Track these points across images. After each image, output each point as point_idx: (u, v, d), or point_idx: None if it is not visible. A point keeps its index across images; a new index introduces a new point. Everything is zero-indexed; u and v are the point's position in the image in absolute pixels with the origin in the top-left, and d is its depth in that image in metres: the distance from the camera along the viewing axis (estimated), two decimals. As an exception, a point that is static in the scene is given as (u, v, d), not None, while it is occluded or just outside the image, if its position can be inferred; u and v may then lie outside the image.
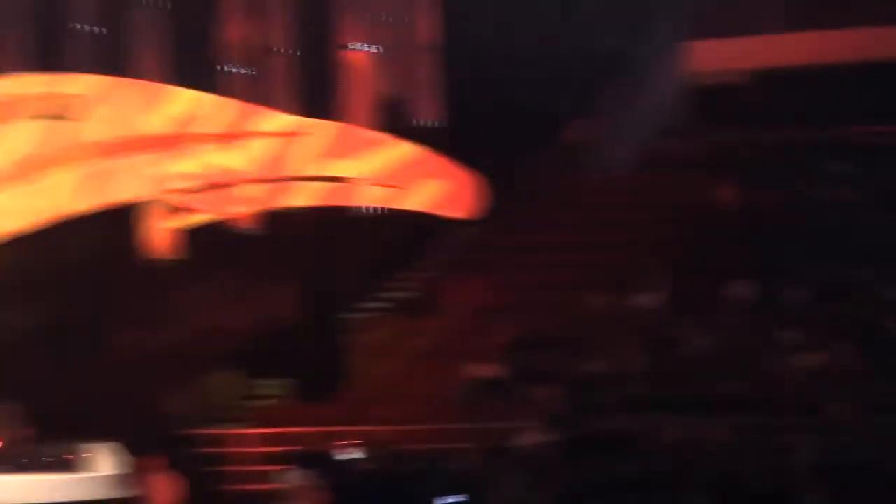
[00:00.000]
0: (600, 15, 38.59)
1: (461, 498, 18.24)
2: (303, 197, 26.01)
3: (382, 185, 26.15)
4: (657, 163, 37.65)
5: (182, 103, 25.01)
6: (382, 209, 28.16)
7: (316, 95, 31.76)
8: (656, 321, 29.37)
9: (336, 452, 23.01)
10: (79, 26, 32.22)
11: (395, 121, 32.04)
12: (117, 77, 27.57)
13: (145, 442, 23.42)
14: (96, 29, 32.39)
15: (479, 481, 19.74)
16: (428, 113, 35.05)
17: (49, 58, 30.36)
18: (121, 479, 22.14)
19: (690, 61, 37.68)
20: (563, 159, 37.38)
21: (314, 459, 22.01)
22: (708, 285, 29.75)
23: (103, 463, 22.44)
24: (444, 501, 18.04)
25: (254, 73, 33.09)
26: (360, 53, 33.91)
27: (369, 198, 26.66)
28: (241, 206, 26.47)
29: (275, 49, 33.39)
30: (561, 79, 36.66)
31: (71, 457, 22.77)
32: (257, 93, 31.46)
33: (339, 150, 25.78)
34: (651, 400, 25.67)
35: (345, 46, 33.77)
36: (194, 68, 30.23)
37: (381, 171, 25.85)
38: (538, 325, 29.93)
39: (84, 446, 22.82)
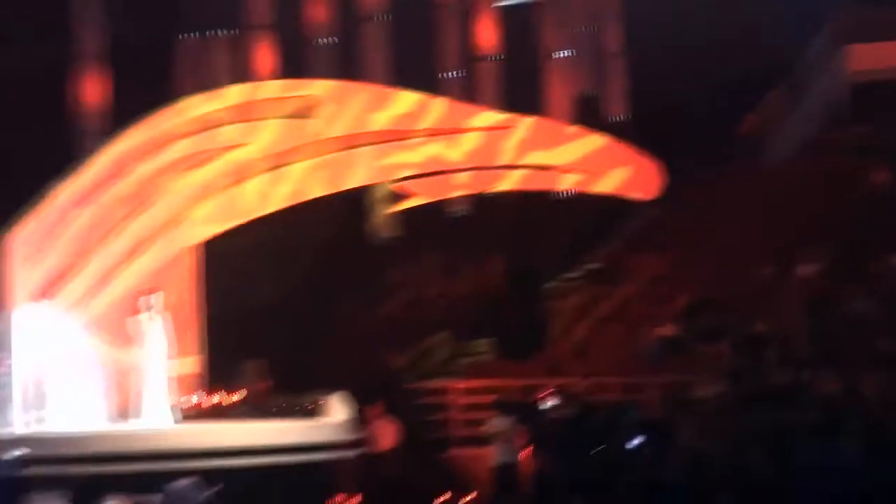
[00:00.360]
0: (772, 15, 39.59)
1: (645, 442, 18.74)
2: (508, 183, 27.91)
3: (577, 172, 28.19)
4: (821, 150, 38.04)
5: (404, 103, 27.32)
6: (577, 193, 29.34)
7: (520, 95, 33.03)
8: (818, 287, 29.62)
9: (536, 402, 24.33)
10: (317, 38, 34.36)
11: (588, 116, 33.61)
12: (350, 81, 29.97)
13: (370, 393, 25.31)
14: (331, 40, 34.54)
15: (660, 428, 19.98)
16: (616, 109, 36.26)
17: (291, 65, 32.76)
18: (349, 425, 23.95)
19: (851, 61, 37.74)
20: (738, 148, 38.89)
21: (515, 408, 23.56)
22: (865, 257, 30.04)
23: (335, 410, 24.36)
24: (630, 445, 18.48)
25: (466, 76, 34.91)
26: (558, 58, 35.64)
27: (566, 183, 28.73)
28: (455, 191, 29.19)
29: (485, 55, 34.94)
30: (735, 76, 38.08)
31: (308, 405, 25.12)
32: (469, 93, 33.44)
33: (541, 141, 27.89)
34: (811, 357, 25.86)
35: (545, 52, 35.81)
36: (415, 73, 31.80)
37: (577, 160, 27.86)
38: (711, 291, 30.65)
39: (318, 397, 25.01)
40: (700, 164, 35.06)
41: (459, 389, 26.77)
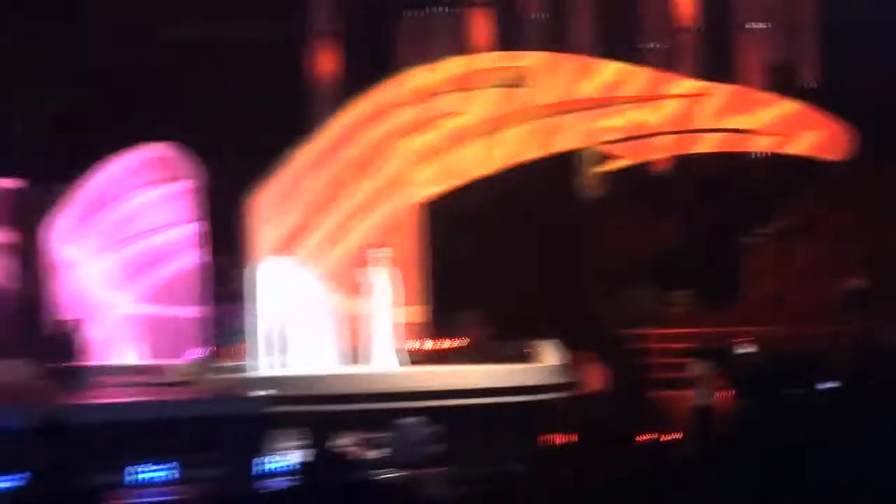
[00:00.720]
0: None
1: (832, 384, 18.73)
2: (706, 145, 28.97)
3: (771, 135, 28.99)
4: None
5: (609, 73, 28.52)
6: (771, 154, 30.32)
7: (717, 64, 34.18)
8: None
9: (732, 349, 25.37)
10: (529, 13, 35.66)
11: (781, 83, 34.03)
12: (559, 53, 31.57)
13: (580, 340, 26.07)
14: (542, 15, 35.71)
15: (848, 372, 20.11)
16: (808, 76, 36.29)
17: (505, 39, 33.98)
18: (561, 369, 25.01)
19: None
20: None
21: (713, 354, 23.96)
22: None
23: (549, 356, 25.29)
24: (822, 387, 18.52)
25: (667, 46, 35.85)
26: (754, 28, 35.98)
27: (760, 145, 29.83)
28: (657, 153, 30.28)
29: (684, 27, 35.72)
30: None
31: (523, 352, 25.90)
32: (670, 62, 34.24)
33: (737, 107, 28.75)
34: None
35: (741, 23, 36.11)
36: (618, 44, 33.30)
37: (770, 124, 28.61)
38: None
39: (533, 344, 25.77)
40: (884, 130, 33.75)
41: (661, 337, 27.75)
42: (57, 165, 28.10)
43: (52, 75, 30.54)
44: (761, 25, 35.08)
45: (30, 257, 27.91)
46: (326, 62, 35.04)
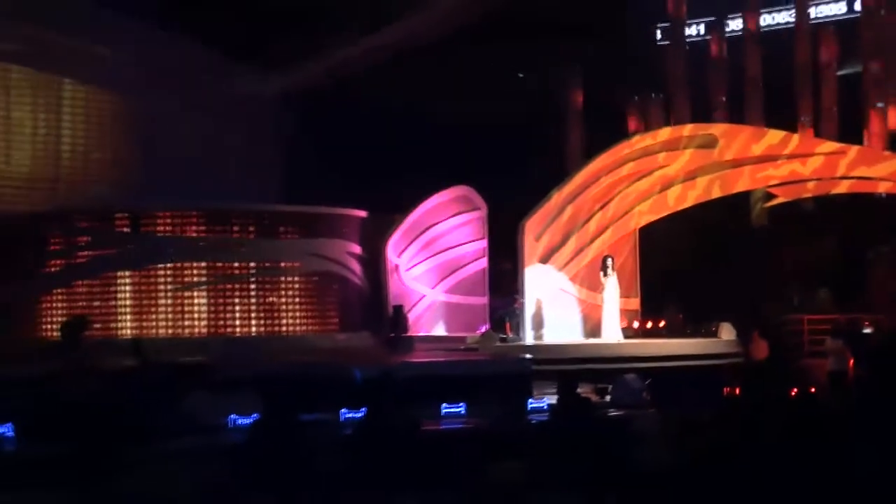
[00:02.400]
0: None
1: None
2: (840, 188, 30.56)
3: (889, 181, 30.42)
4: None
5: (773, 137, 30.40)
6: (890, 193, 30.98)
7: (851, 131, 34.85)
8: None
9: (859, 329, 27.12)
10: (718, 98, 37.16)
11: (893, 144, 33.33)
12: (738, 124, 33.17)
13: (752, 323, 27.84)
14: (724, 99, 37.28)
15: None
16: None
17: (699, 115, 35.89)
18: (736, 343, 26.96)
19: None
20: None
21: (845, 333, 25.64)
22: None
23: (727, 333, 27.32)
24: None
25: (816, 120, 36.41)
26: (878, 108, 35.69)
27: (882, 188, 30.75)
28: (806, 193, 31.62)
29: (828, 108, 36.53)
30: None
31: (709, 329, 28.13)
32: (816, 130, 35.78)
33: (864, 161, 30.53)
34: None
35: (870, 105, 35.97)
36: (780, 118, 34.42)
37: (889, 173, 30.10)
38: None
39: (715, 324, 27.91)
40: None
41: (808, 321, 29.38)
42: (392, 201, 30.25)
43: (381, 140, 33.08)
44: (882, 105, 35.34)
45: (374, 264, 30.60)
46: (575, 129, 37.31)
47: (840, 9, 39.13)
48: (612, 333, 27.96)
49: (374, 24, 31.81)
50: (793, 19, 38.43)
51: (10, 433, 16.52)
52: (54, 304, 28.58)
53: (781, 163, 30.35)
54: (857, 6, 37.95)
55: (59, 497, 6.98)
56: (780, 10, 38.87)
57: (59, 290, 28.62)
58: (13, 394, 18.10)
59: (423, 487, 9.18)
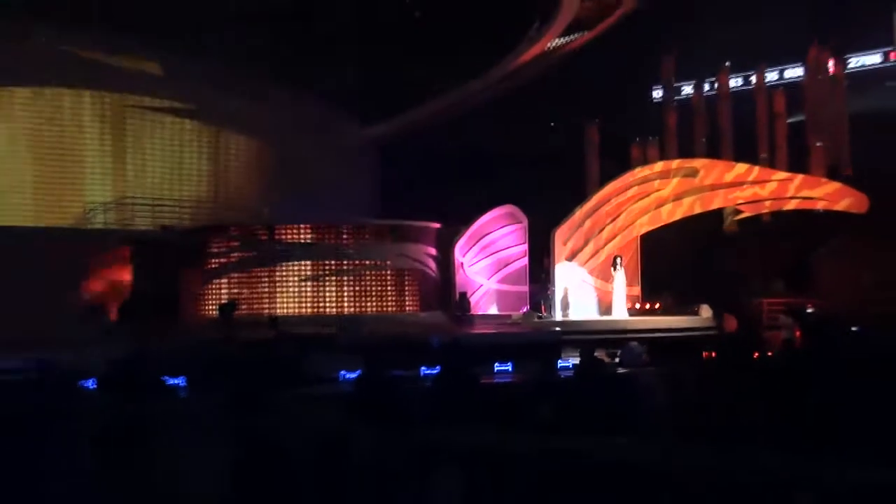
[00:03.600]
0: None
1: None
2: (790, 205, 30.05)
3: (825, 200, 30.07)
4: None
5: (740, 169, 30.04)
6: (825, 210, 30.21)
7: (799, 162, 34.09)
8: None
9: (803, 310, 26.12)
10: (701, 140, 35.97)
11: (833, 172, 33.45)
12: (714, 159, 32.33)
13: (724, 304, 27.06)
14: (705, 141, 36.39)
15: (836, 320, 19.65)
16: (847, 168, 33.90)
17: (685, 152, 34.99)
18: (712, 319, 26.47)
19: None
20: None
21: (794, 313, 25.05)
22: None
23: (705, 312, 26.93)
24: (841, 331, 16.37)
25: (771, 155, 35.52)
26: (819, 146, 34.96)
27: (819, 206, 30.17)
28: (764, 210, 30.93)
29: (780, 145, 35.00)
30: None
31: (692, 309, 27.56)
32: (772, 163, 34.59)
33: (807, 186, 30.18)
34: None
35: (812, 141, 34.81)
36: (745, 154, 33.65)
37: (825, 194, 29.86)
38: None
39: (697, 305, 27.53)
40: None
41: (768, 304, 28.76)
42: (458, 216, 30.15)
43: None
44: (821, 144, 34.83)
45: (445, 262, 30.43)
46: (592, 167, 36.72)
47: (788, 74, 39.39)
48: (620, 312, 27.71)
49: (443, 88, 32.25)
50: (755, 82, 38.45)
51: (184, 383, 16.75)
52: (213, 292, 29.14)
53: (746, 187, 30.13)
54: (801, 72, 38.26)
55: (224, 429, 6.96)
56: (746, 75, 38.85)
57: (216, 282, 29.21)
58: (185, 356, 18.27)
59: (482, 423, 8.57)
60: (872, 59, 37.43)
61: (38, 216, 29.22)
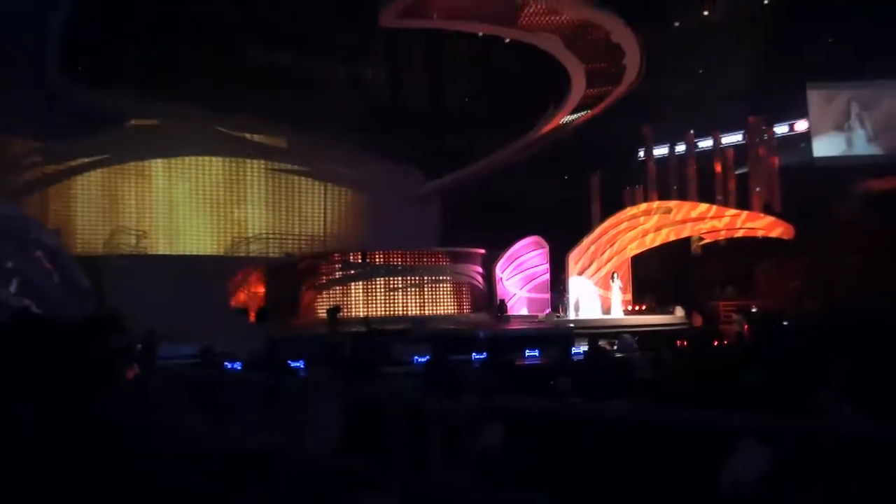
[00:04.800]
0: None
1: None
2: (738, 233, 29.38)
3: (763, 229, 29.13)
4: None
5: (703, 208, 29.89)
6: (761, 237, 29.18)
7: (744, 201, 33.16)
8: None
9: (750, 310, 24.05)
10: (674, 187, 35.24)
11: (765, 208, 32.01)
12: (683, 201, 32.26)
13: (694, 305, 26.93)
14: (676, 187, 35.29)
15: (780, 316, 17.68)
16: (776, 204, 32.28)
17: (664, 194, 34.36)
18: (684, 317, 26.07)
19: None
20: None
21: (742, 312, 23.15)
22: None
23: (679, 312, 26.37)
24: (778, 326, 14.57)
25: (725, 196, 34.44)
26: (757, 191, 33.73)
27: (759, 232, 29.27)
28: (719, 237, 30.80)
29: (729, 190, 34.32)
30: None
31: (669, 310, 26.97)
32: (725, 203, 33.68)
33: (749, 220, 29.67)
34: None
35: (753, 186, 33.87)
36: (706, 195, 33.24)
37: (764, 225, 28.93)
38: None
39: (673, 306, 26.89)
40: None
41: (723, 306, 27.75)
42: (498, 243, 29.59)
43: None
44: (759, 189, 33.31)
45: (489, 277, 30.13)
46: (595, 206, 35.31)
47: (735, 139, 38.51)
48: (616, 312, 27.39)
49: (486, 152, 31.59)
50: (712, 144, 37.64)
51: (303, 366, 16.67)
52: (322, 300, 28.96)
53: (707, 220, 29.93)
54: (743, 138, 37.36)
55: (336, 393, 7.15)
56: (705, 139, 37.73)
57: (325, 293, 29.06)
58: (302, 346, 18.31)
59: (517, 392, 8.59)
60: (800, 125, 36.74)
61: (204, 247, 29.87)
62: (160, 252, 28.81)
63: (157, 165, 29.75)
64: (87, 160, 28.35)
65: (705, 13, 35.05)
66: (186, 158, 30.29)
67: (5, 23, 18.51)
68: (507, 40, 29.35)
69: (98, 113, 24.55)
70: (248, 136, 31.30)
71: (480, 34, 29.15)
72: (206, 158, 30.65)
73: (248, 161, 31.37)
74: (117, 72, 25.94)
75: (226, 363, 14.68)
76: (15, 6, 18.28)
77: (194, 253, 29.46)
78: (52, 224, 25.74)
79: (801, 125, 36.69)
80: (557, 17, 27.24)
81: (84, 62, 25.44)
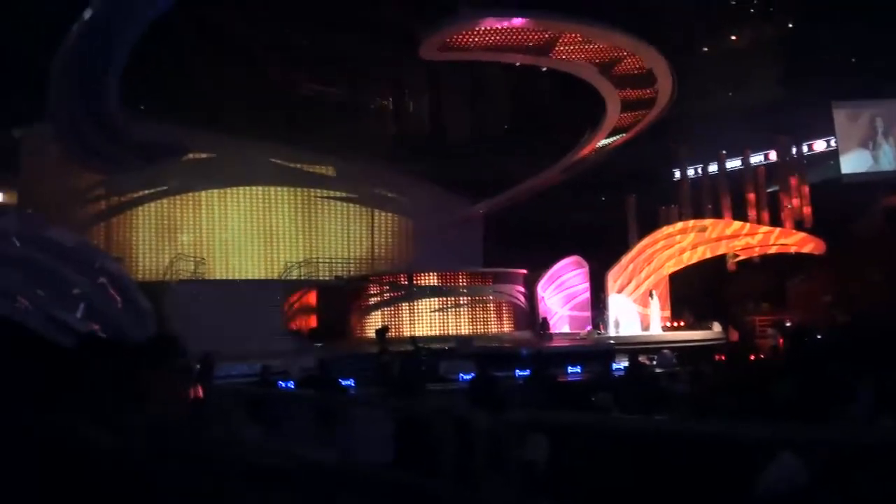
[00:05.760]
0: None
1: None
2: (772, 250, 28.86)
3: (797, 245, 28.61)
4: None
5: (738, 225, 29.55)
6: (798, 251, 28.51)
7: (775, 219, 31.95)
8: None
9: (784, 324, 24.28)
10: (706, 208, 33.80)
11: (800, 226, 31.07)
12: (719, 219, 31.56)
13: (730, 321, 26.42)
14: (726, 204, 33.86)
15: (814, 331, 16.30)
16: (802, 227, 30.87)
17: (698, 214, 33.10)
18: (722, 332, 25.59)
19: None
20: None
21: (777, 326, 23.44)
22: None
23: (716, 327, 25.81)
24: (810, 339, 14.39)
25: (759, 216, 33.44)
26: (789, 209, 32.40)
27: (794, 248, 28.81)
28: (752, 253, 30.29)
29: (761, 210, 32.94)
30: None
31: (706, 326, 26.52)
32: (759, 220, 32.49)
33: (783, 236, 29.21)
34: None
35: (782, 206, 32.53)
36: (739, 215, 32.51)
37: (796, 241, 28.46)
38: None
39: (710, 322, 26.41)
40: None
41: (759, 320, 27.75)
42: (540, 264, 29.15)
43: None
44: (790, 206, 32.53)
45: (531, 296, 29.48)
46: (632, 226, 34.50)
47: (764, 158, 37.50)
48: (655, 329, 27.09)
49: (527, 176, 31.20)
50: (742, 164, 36.68)
51: (353, 384, 16.51)
52: (371, 320, 28.63)
53: (741, 238, 29.54)
54: (774, 156, 36.37)
55: (385, 408, 7.17)
56: (735, 159, 36.84)
57: (373, 313, 28.79)
58: (353, 365, 18.32)
59: (559, 407, 8.72)
60: (822, 144, 35.67)
61: (257, 272, 29.99)
62: (217, 276, 29.21)
63: (213, 195, 30.19)
64: (147, 192, 29.10)
65: (732, 38, 35.28)
66: (241, 188, 30.70)
67: (70, 61, 19.13)
68: (544, 69, 29.43)
69: (158, 147, 24.59)
70: (299, 165, 31.69)
71: (518, 64, 29.06)
72: (260, 187, 31.09)
73: (299, 189, 31.70)
74: (175, 107, 27.09)
75: (279, 382, 14.75)
76: (79, 44, 18.74)
77: (248, 277, 29.78)
78: (115, 252, 26.27)
79: (826, 144, 36.33)
80: (592, 46, 27.28)
81: (145, 99, 26.17)
